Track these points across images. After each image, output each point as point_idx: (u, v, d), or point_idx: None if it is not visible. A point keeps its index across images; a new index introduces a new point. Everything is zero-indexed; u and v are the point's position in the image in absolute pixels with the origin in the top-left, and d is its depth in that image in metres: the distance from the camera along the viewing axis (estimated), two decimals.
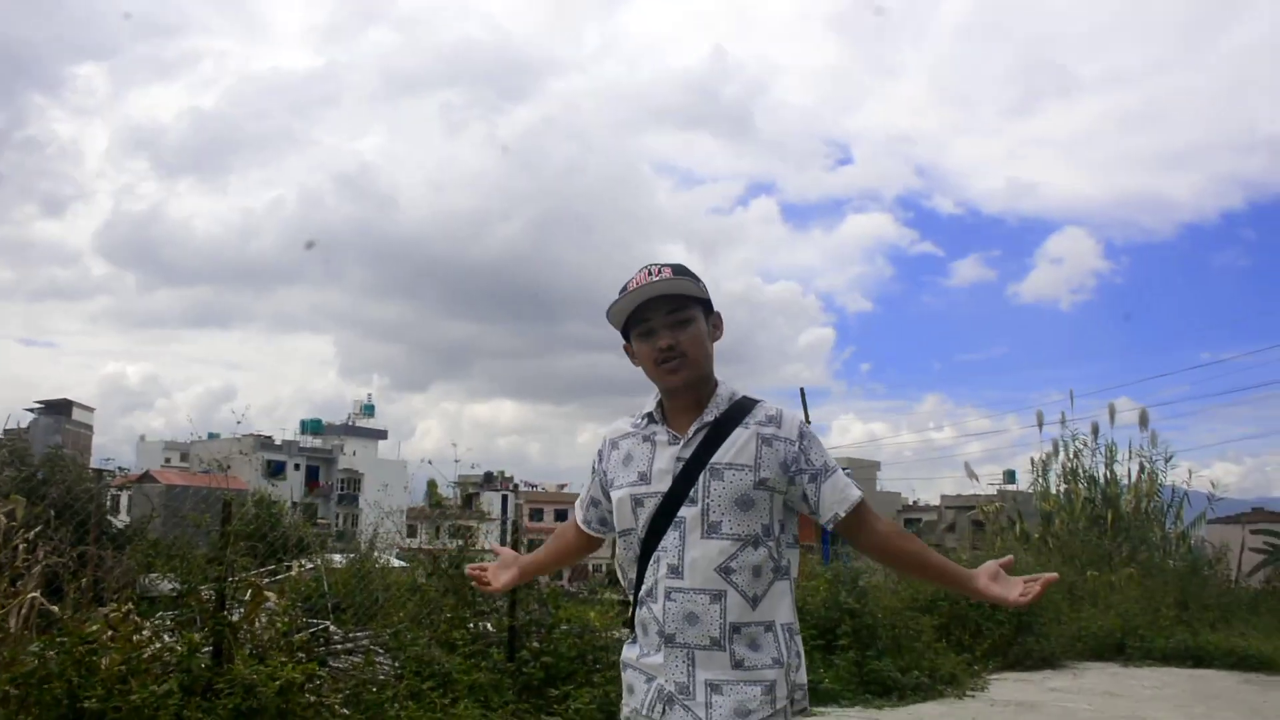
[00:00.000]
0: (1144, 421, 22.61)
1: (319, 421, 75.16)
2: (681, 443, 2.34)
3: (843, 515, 2.35)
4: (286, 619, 6.39)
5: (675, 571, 2.27)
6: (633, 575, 2.38)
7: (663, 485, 2.32)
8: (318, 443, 72.22)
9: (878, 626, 9.60)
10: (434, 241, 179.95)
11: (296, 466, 63.21)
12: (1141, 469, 22.00)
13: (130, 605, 6.07)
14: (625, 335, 2.46)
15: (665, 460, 2.34)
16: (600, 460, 2.52)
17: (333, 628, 7.17)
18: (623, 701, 2.41)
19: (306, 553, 9.74)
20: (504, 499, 58.59)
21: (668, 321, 2.35)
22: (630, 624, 2.40)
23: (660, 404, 2.44)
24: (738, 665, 2.25)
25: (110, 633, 5.49)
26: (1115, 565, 17.05)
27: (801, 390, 38.71)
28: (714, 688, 2.23)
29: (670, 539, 2.28)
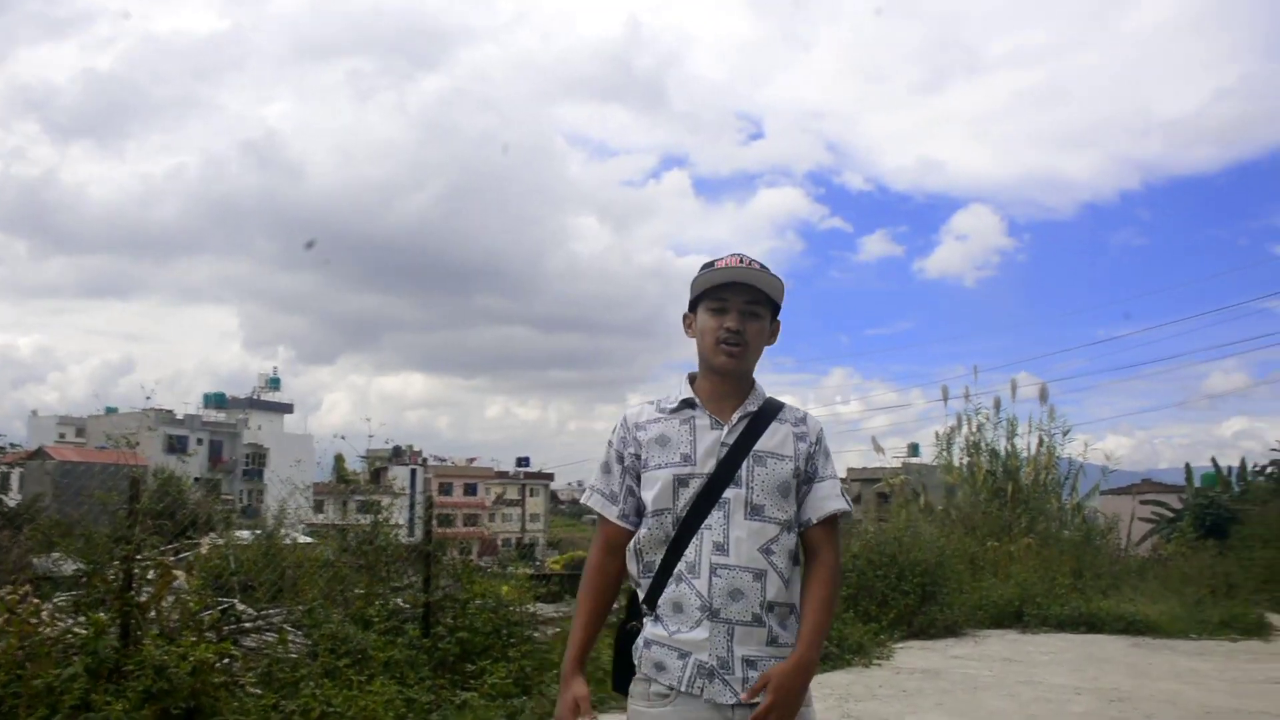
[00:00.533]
0: (1044, 396, 23.23)
1: (223, 395, 73.61)
2: (726, 428, 2.45)
3: (814, 521, 2.47)
4: (197, 598, 6.29)
5: (721, 549, 2.36)
6: (658, 556, 2.43)
7: (707, 467, 2.40)
8: (221, 417, 70.74)
9: None
10: (342, 211, 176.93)
11: (199, 441, 61.81)
12: (1041, 442, 22.63)
13: (28, 587, 5.92)
14: (692, 307, 2.57)
15: (708, 443, 2.43)
16: (625, 446, 2.53)
17: (241, 606, 7.07)
18: (640, 680, 2.41)
19: (212, 530, 9.57)
20: (413, 473, 57.99)
21: (742, 307, 2.47)
22: (651, 604, 2.43)
23: (694, 391, 2.53)
24: (772, 642, 2.36)
25: (6, 615, 5.34)
26: (1015, 536, 17.56)
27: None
28: (749, 663, 2.33)
29: (715, 518, 2.37)
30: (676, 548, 2.40)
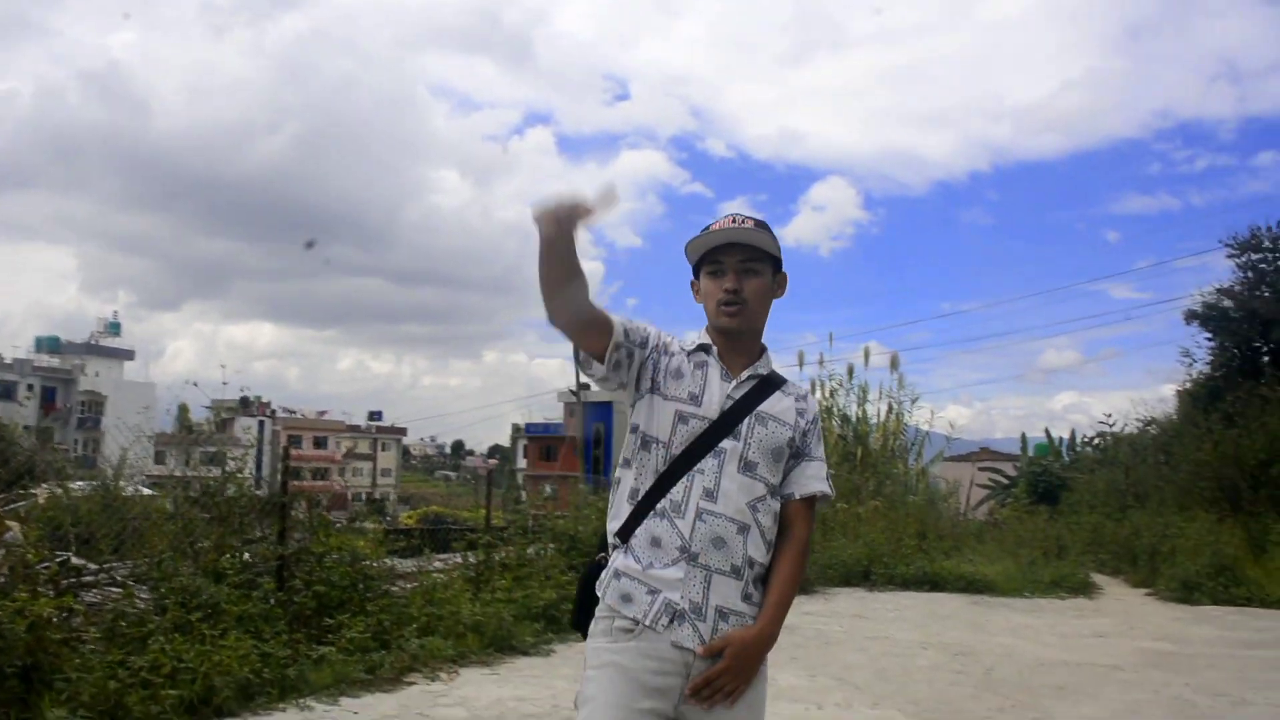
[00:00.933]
0: (894, 365, 24.03)
1: (57, 339, 70.06)
2: (734, 382, 2.45)
3: (798, 497, 2.47)
4: (33, 550, 5.97)
5: (710, 495, 2.34)
6: (644, 486, 2.39)
7: (711, 412, 2.40)
8: (55, 362, 67.38)
9: None
10: (191, 151, 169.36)
11: (30, 388, 58.78)
12: (890, 409, 23.45)
13: None
14: (696, 273, 2.56)
15: (716, 390, 2.43)
16: (656, 341, 2.49)
17: (79, 560, 6.75)
18: (604, 613, 2.35)
19: (46, 481, 9.11)
20: (261, 425, 56.42)
21: (738, 267, 2.46)
22: (625, 535, 2.38)
23: (713, 339, 2.52)
24: (746, 598, 2.36)
25: None
26: (863, 498, 18.12)
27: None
28: (722, 614, 2.31)
29: (709, 464, 2.36)
30: (663, 484, 2.37)
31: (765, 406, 2.44)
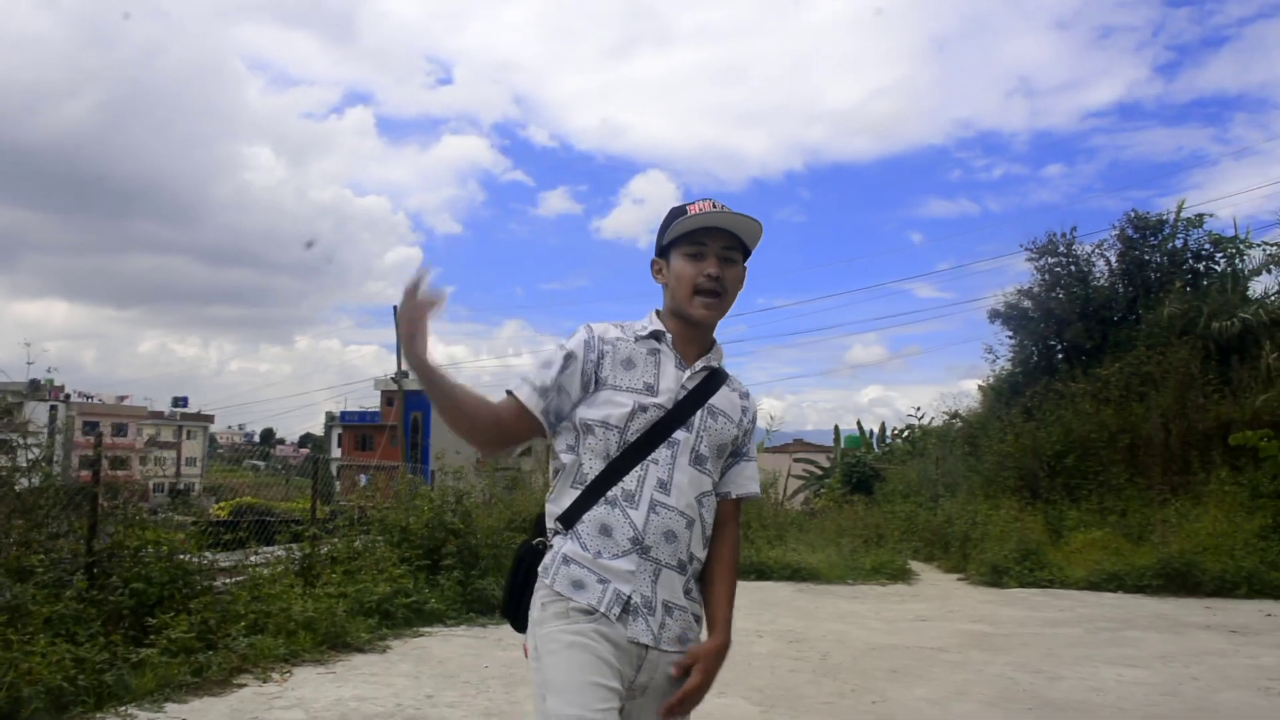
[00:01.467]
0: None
1: None
2: (688, 372, 2.35)
3: (733, 497, 2.42)
4: None
5: (663, 487, 2.25)
6: (593, 471, 2.26)
7: (665, 401, 2.29)
8: None
9: (480, 547, 9.74)
10: None
11: None
12: None
13: None
14: (662, 252, 2.42)
15: (670, 380, 2.32)
16: (588, 352, 2.33)
17: None
18: (554, 599, 2.21)
19: None
20: (53, 410, 52.94)
21: (720, 253, 2.35)
22: (569, 520, 2.26)
23: (667, 327, 2.39)
24: (687, 593, 2.30)
25: None
26: None
27: (394, 310, 38.26)
28: (668, 609, 2.24)
29: (663, 454, 2.26)
30: (615, 471, 2.25)
31: (716, 400, 2.36)
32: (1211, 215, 24.35)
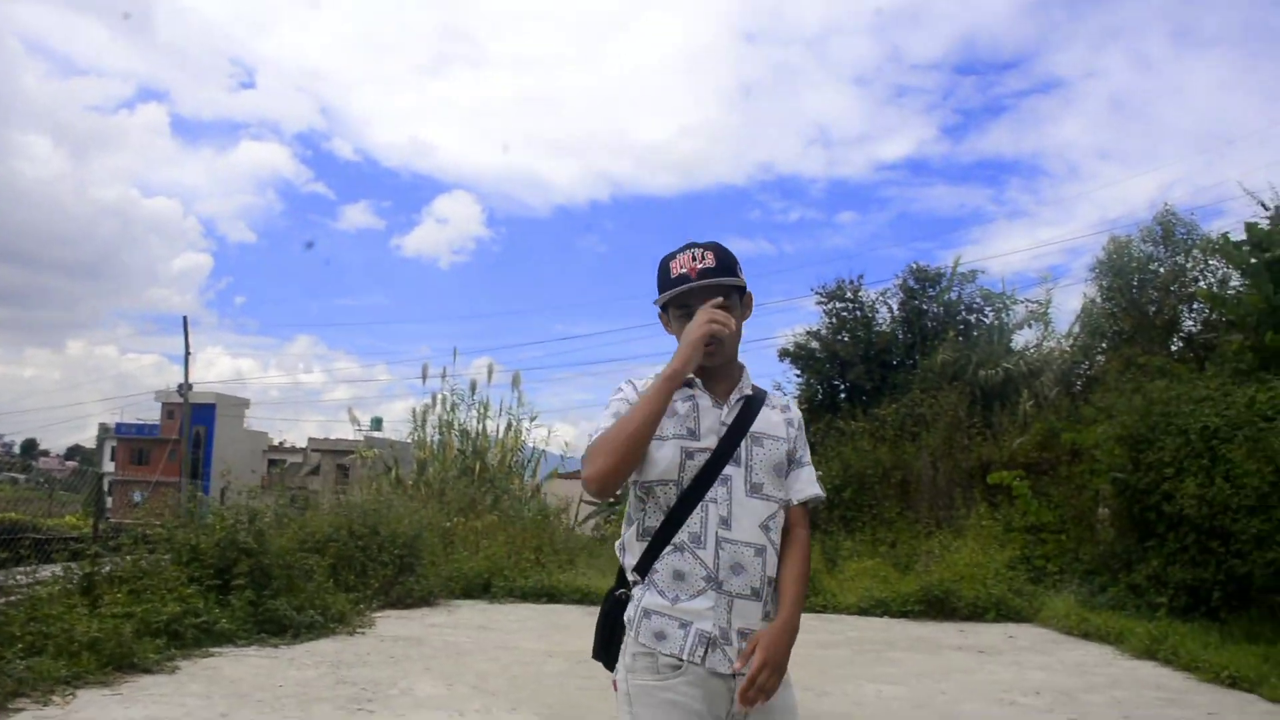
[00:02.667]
0: (516, 383, 24.61)
1: None
2: (725, 408, 2.47)
3: (795, 502, 2.53)
4: None
5: (725, 523, 2.37)
6: (655, 523, 2.41)
7: (710, 442, 2.42)
8: None
9: (272, 566, 9.64)
10: None
11: None
12: (509, 426, 24.02)
13: None
14: (664, 307, 2.54)
15: (711, 420, 2.45)
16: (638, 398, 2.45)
17: None
18: (643, 653, 2.34)
19: None
20: None
21: (719, 308, 2.42)
22: (643, 571, 2.41)
23: (694, 372, 2.48)
24: (765, 617, 2.39)
25: None
26: (480, 513, 18.48)
27: (185, 320, 36.60)
28: (744, 635, 2.34)
29: (719, 493, 2.39)
30: (676, 518, 2.40)
31: (757, 426, 2.49)
32: (983, 272, 26.30)
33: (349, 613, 10.04)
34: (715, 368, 2.50)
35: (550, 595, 13.34)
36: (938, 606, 12.48)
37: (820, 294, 23.39)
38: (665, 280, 2.52)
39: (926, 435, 18.38)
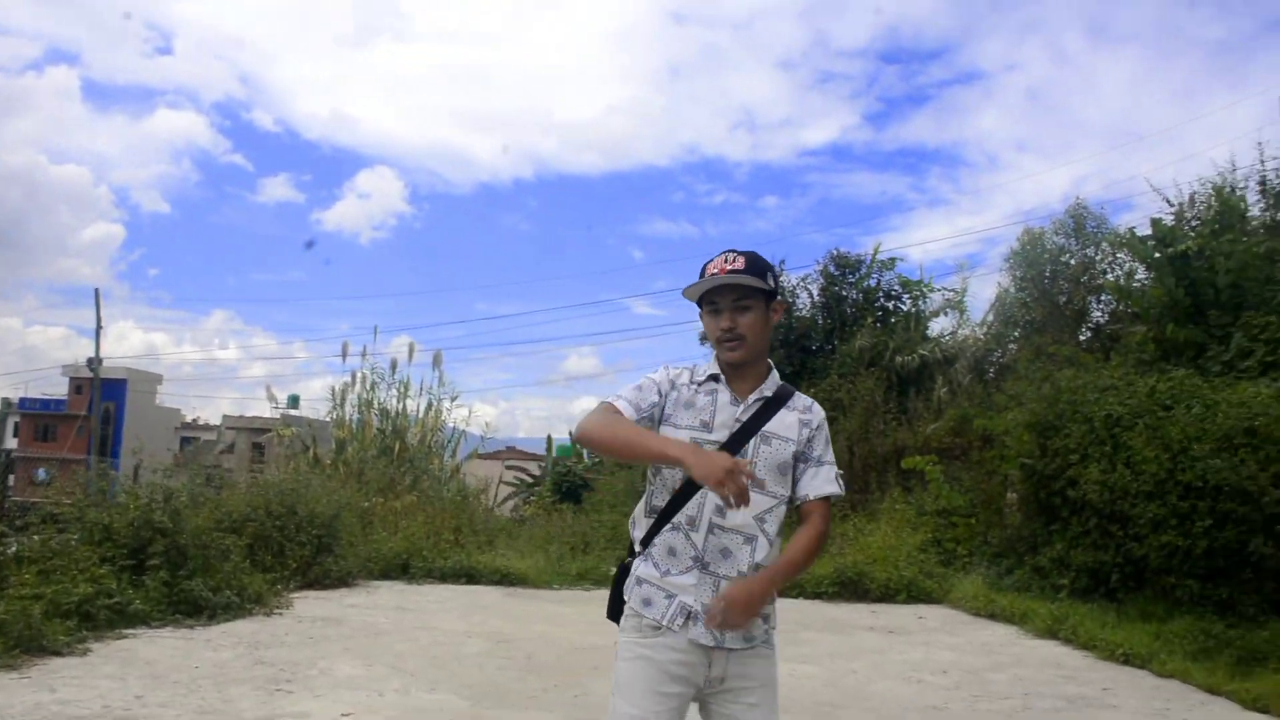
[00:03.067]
0: (437, 362, 24.44)
1: None
2: (742, 406, 2.72)
3: (812, 498, 2.73)
4: None
5: (720, 511, 2.62)
6: (661, 502, 2.69)
7: (721, 436, 2.67)
8: None
9: (188, 546, 9.52)
10: None
11: None
12: (430, 406, 23.89)
13: None
14: (698, 303, 2.80)
15: (725, 416, 2.70)
16: (663, 390, 2.75)
17: None
18: (632, 614, 2.67)
19: None
20: None
21: (731, 306, 2.70)
22: (645, 543, 2.71)
23: (721, 369, 2.77)
24: None
25: None
26: (400, 493, 18.38)
27: (96, 292, 35.68)
28: None
29: None
30: (679, 500, 2.66)
31: (770, 426, 2.71)
32: (902, 259, 26.85)
33: (266, 593, 9.96)
34: (741, 368, 2.76)
35: (469, 576, 13.33)
36: (851, 588, 12.76)
37: None
38: (695, 287, 2.76)
39: (844, 420, 18.69)
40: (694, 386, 2.77)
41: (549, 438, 39.62)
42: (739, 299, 2.71)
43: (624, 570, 2.79)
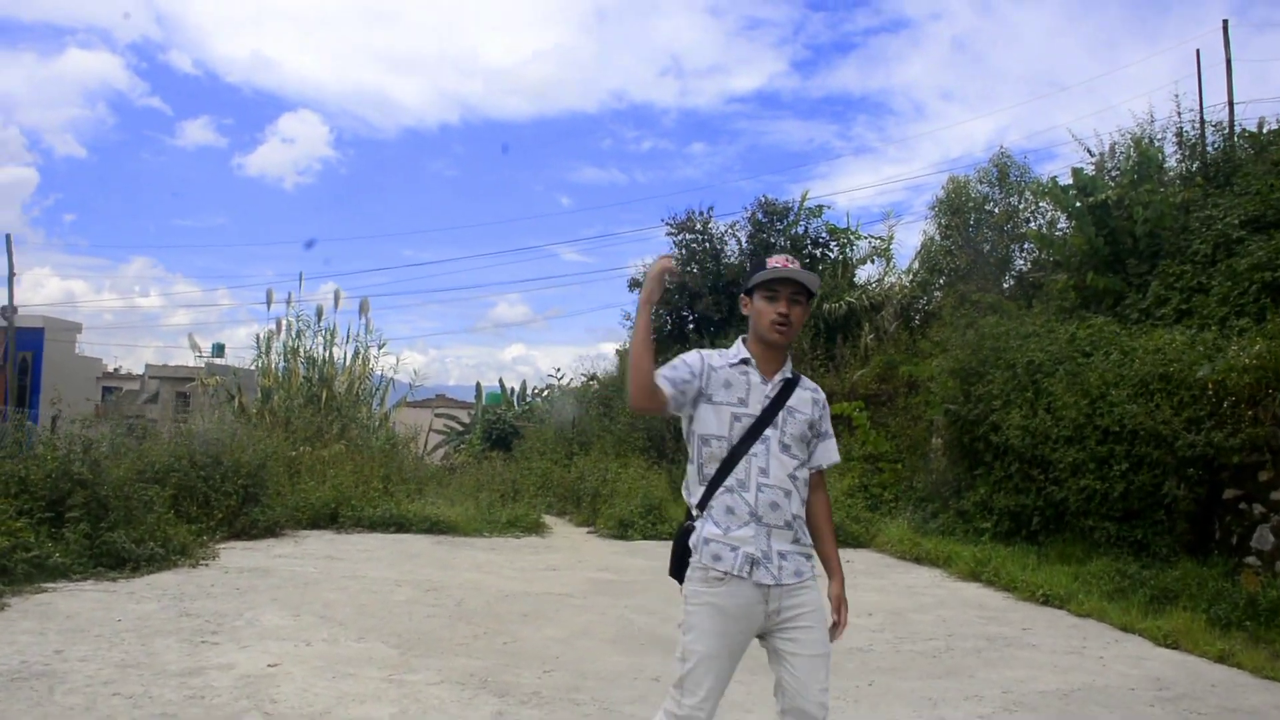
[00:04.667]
0: (364, 310, 24.15)
1: None
2: (770, 385, 3.23)
3: (823, 467, 3.34)
4: None
5: (764, 472, 3.13)
6: (712, 471, 3.15)
7: (756, 410, 3.18)
8: None
9: (110, 498, 9.32)
10: None
11: None
12: (357, 354, 23.62)
13: None
14: (747, 292, 3.31)
15: (758, 394, 3.20)
16: (700, 372, 3.18)
17: None
18: (699, 568, 3.07)
19: None
20: None
21: (789, 296, 3.21)
22: (703, 506, 3.14)
23: (749, 354, 3.25)
24: (795, 541, 3.17)
25: None
26: (328, 441, 18.20)
27: (8, 238, 34.46)
28: (782, 555, 3.12)
29: (759, 449, 3.15)
30: (727, 467, 3.13)
31: (792, 401, 3.23)
32: (830, 207, 26.96)
33: (192, 544, 9.80)
34: (773, 351, 3.25)
35: (399, 525, 13.28)
36: None
37: (670, 225, 23.57)
38: (760, 268, 3.27)
39: None
40: (729, 368, 3.22)
41: (478, 385, 39.35)
42: (795, 293, 3.22)
43: (685, 532, 3.18)
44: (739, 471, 3.14)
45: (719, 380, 3.20)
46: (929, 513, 13.02)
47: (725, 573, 3.06)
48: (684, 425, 3.29)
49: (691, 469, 3.24)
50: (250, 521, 11.73)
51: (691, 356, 3.24)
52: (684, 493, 3.29)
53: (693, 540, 3.14)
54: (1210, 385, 9.29)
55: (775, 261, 3.27)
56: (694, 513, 3.19)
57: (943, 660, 6.70)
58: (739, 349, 3.29)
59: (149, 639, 6.29)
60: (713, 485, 3.16)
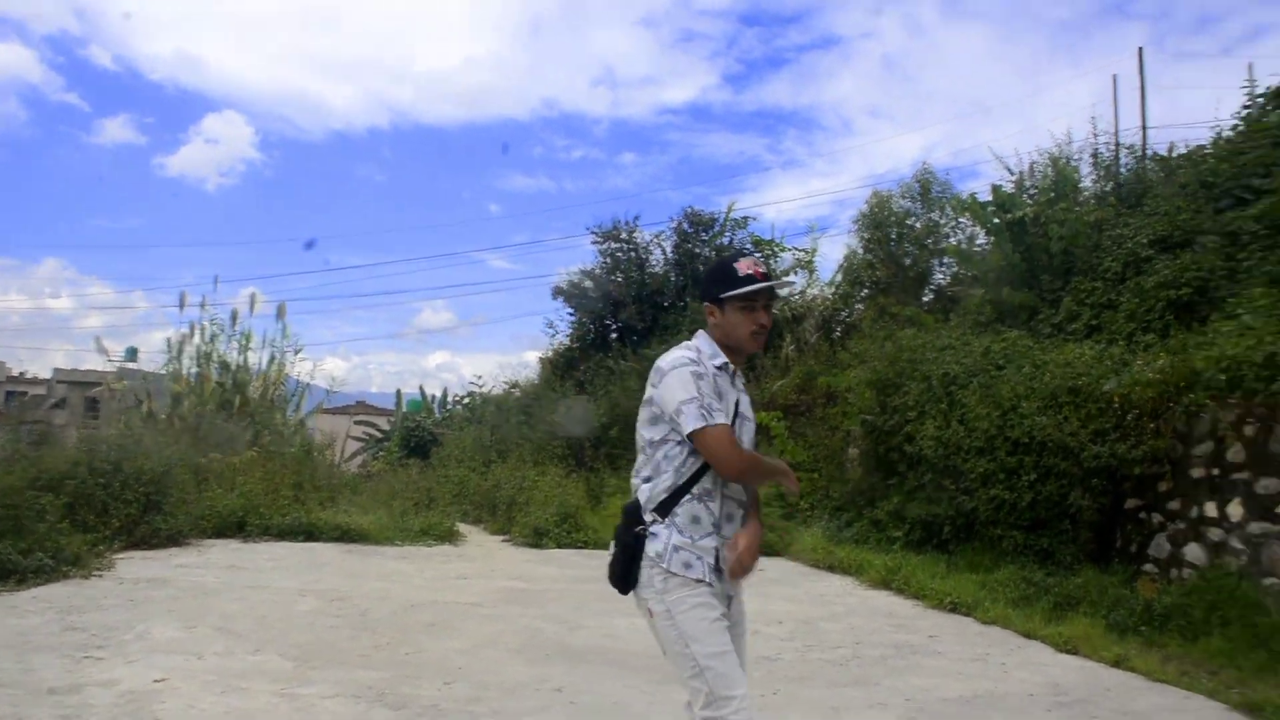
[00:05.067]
0: (281, 314, 23.69)
1: None
2: (736, 390, 3.23)
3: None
4: None
5: (726, 484, 3.15)
6: (687, 475, 3.10)
7: (750, 417, 3.27)
8: None
9: None
10: None
11: None
12: (273, 359, 23.15)
13: None
14: (714, 299, 3.21)
15: (730, 400, 3.17)
16: (712, 386, 3.09)
17: None
18: (672, 575, 3.04)
19: None
20: None
21: (765, 306, 3.19)
22: (665, 511, 3.09)
23: (728, 357, 3.20)
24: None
25: None
26: (239, 448, 17.76)
27: None
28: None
29: None
30: (698, 475, 3.09)
31: (742, 407, 3.24)
32: (755, 219, 27.12)
33: (85, 554, 9.44)
34: (738, 357, 3.25)
35: (308, 533, 12.98)
36: None
37: (596, 234, 23.52)
38: (732, 277, 3.17)
39: None
40: (717, 375, 3.15)
41: (398, 392, 38.89)
42: (770, 301, 3.23)
43: (638, 538, 3.11)
44: (706, 480, 3.12)
45: (709, 389, 3.10)
46: (843, 522, 13.08)
47: (698, 580, 3.07)
48: (655, 430, 3.16)
49: (659, 476, 3.13)
50: (151, 530, 11.36)
51: (705, 384, 3.08)
52: (638, 497, 3.17)
53: (658, 549, 3.08)
54: (1116, 399, 9.44)
55: (745, 267, 3.19)
56: (648, 518, 3.12)
57: (849, 668, 6.69)
58: (714, 349, 3.21)
59: (27, 655, 6.01)
60: (681, 491, 3.12)
